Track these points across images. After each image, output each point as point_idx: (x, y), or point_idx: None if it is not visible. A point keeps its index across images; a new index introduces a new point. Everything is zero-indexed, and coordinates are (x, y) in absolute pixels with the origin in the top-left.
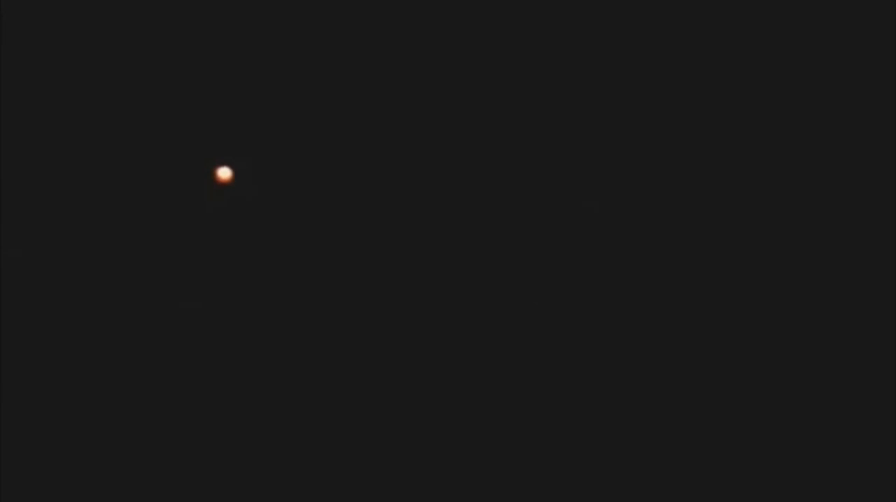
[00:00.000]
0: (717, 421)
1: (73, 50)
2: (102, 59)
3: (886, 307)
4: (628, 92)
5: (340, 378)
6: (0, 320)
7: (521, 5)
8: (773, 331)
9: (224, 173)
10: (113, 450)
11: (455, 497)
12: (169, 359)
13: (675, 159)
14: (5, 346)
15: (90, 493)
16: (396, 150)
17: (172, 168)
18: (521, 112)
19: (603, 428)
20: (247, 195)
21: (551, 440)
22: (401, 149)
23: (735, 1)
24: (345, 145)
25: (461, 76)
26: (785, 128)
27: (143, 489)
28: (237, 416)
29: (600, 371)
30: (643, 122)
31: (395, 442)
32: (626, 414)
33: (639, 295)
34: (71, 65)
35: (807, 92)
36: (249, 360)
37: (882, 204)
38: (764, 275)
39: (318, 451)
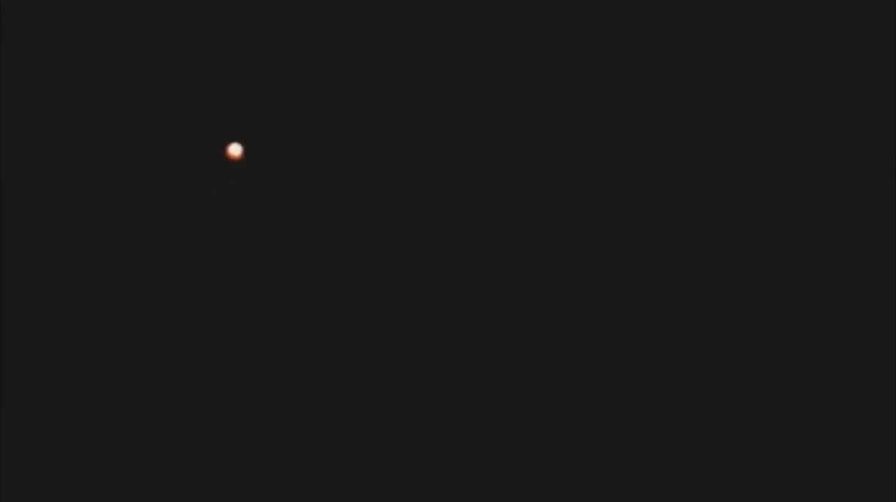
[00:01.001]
0: (717, 421)
1: (71, 29)
2: (103, 44)
3: (886, 307)
4: (628, 92)
5: (340, 375)
6: (0, 320)
7: (521, 5)
8: (774, 331)
9: (235, 150)
10: (113, 450)
11: (455, 497)
12: (169, 351)
13: (675, 159)
14: (5, 346)
15: (90, 493)
16: (397, 149)
17: (175, 156)
18: (521, 112)
19: (603, 428)
20: (252, 183)
21: (551, 440)
22: (401, 148)
23: (735, 1)
24: (348, 141)
25: (462, 75)
26: (785, 128)
27: (144, 489)
28: (237, 413)
29: (600, 371)
30: (643, 123)
31: (394, 442)
32: (626, 415)
33: (638, 295)
34: (69, 44)
35: (807, 92)
36: (250, 358)
37: (882, 204)
38: (764, 275)
39: (318, 451)
